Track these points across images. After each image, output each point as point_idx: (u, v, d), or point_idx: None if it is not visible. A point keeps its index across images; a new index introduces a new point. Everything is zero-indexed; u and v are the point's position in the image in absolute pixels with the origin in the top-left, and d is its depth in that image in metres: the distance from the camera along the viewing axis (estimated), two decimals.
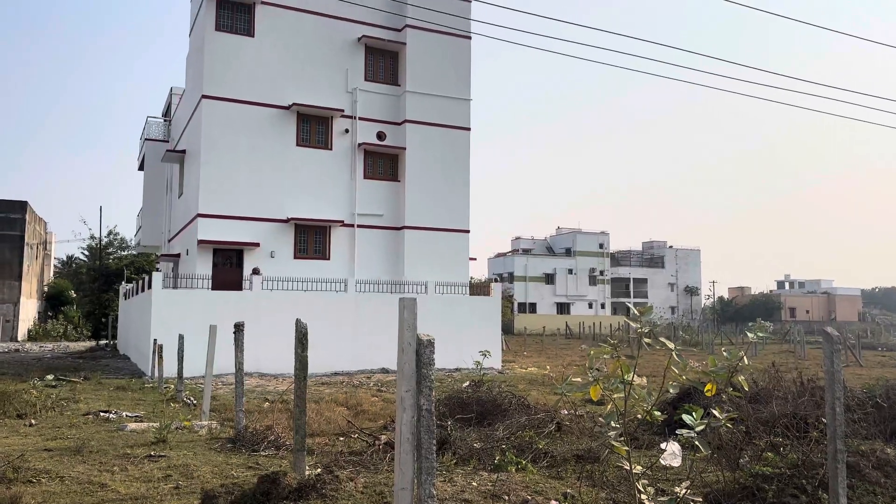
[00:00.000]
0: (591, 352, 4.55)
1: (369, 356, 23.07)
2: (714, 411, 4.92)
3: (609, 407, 4.51)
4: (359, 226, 27.11)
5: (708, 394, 4.95)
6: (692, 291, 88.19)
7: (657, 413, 4.67)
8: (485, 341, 22.85)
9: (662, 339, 4.32)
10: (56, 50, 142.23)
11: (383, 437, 9.04)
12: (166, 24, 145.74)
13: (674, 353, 4.35)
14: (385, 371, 22.70)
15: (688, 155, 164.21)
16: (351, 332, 23.17)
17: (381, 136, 27.81)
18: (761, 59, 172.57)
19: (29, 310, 45.24)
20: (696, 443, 4.68)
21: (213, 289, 23.01)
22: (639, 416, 5.03)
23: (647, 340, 4.30)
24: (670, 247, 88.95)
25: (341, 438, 9.95)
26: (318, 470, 6.86)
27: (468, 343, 22.44)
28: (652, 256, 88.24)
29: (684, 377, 4.56)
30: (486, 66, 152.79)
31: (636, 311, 4.40)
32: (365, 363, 23.03)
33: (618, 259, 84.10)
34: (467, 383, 14.70)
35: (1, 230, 41.28)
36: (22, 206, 42.35)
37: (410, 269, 26.99)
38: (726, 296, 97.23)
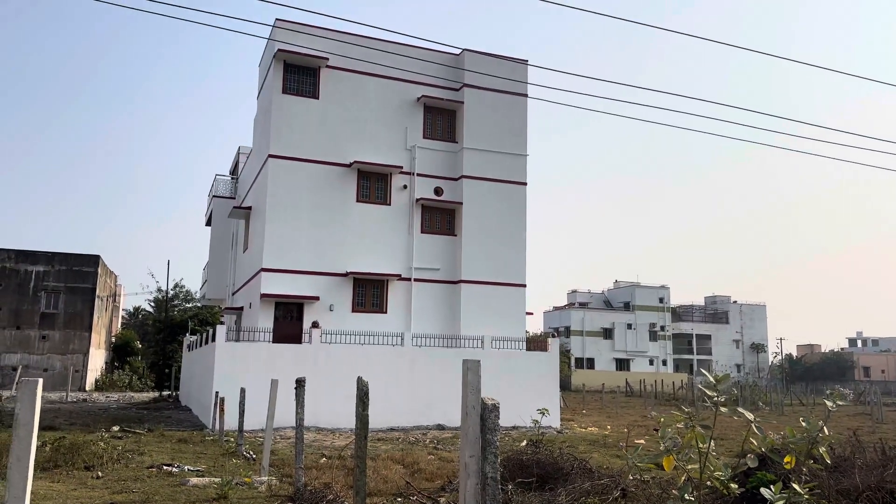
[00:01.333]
0: (662, 419, 4.40)
1: (425, 412, 22.89)
2: (794, 484, 4.67)
3: (683, 478, 4.33)
4: (416, 280, 27.31)
5: (787, 466, 4.71)
6: (758, 348, 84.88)
7: (733, 485, 4.46)
8: (542, 398, 22.41)
9: (741, 410, 4.15)
10: (126, 108, 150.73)
11: (442, 499, 8.89)
12: (235, 86, 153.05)
13: (753, 424, 4.17)
14: (441, 427, 22.44)
15: (751, 206, 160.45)
16: (407, 387, 23.09)
17: (438, 191, 28.21)
18: (830, 115, 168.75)
19: (97, 360, 46.79)
20: None
21: (273, 341, 23.41)
22: (708, 483, 4.81)
23: (723, 409, 4.15)
24: (734, 301, 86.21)
25: (399, 499, 9.82)
26: None
27: (525, 400, 22.01)
28: (715, 311, 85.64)
29: (762, 449, 4.35)
30: (542, 120, 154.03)
31: (711, 378, 4.25)
32: (421, 419, 22.84)
33: (679, 314, 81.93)
34: (525, 443, 14.38)
35: (74, 283, 43.18)
36: (94, 260, 44.30)
37: (467, 324, 26.90)
38: (795, 353, 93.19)
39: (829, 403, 4.76)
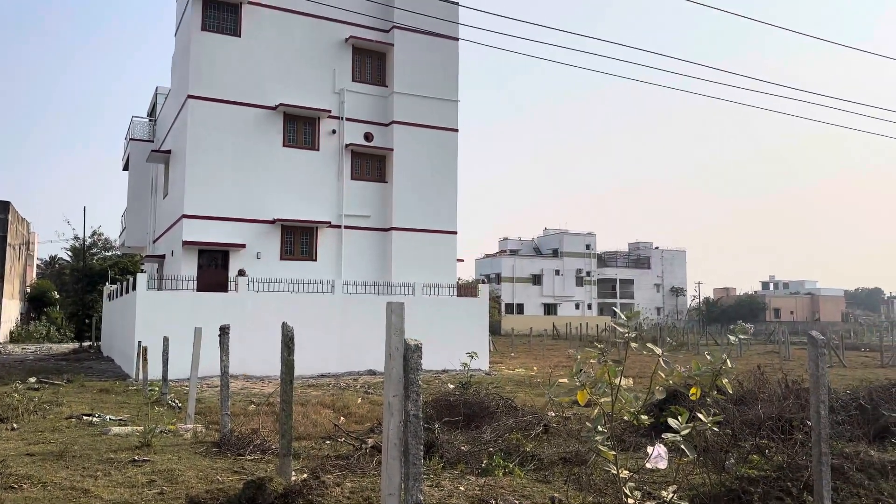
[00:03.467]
0: (578, 356, 4.55)
1: (356, 358, 22.99)
2: (699, 414, 4.94)
3: (596, 411, 4.51)
4: (346, 227, 27.04)
5: (693, 398, 4.97)
6: (678, 292, 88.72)
7: (644, 417, 4.67)
8: (472, 343, 22.82)
9: (650, 345, 4.32)
10: (40, 49, 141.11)
11: (370, 440, 9.01)
12: (152, 23, 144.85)
13: (661, 358, 4.36)
14: (372, 373, 22.64)
15: (674, 156, 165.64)
16: (338, 334, 23.09)
17: (368, 136, 27.75)
18: (748, 64, 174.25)
19: (11, 311, 44.70)
20: (682, 446, 4.69)
21: (198, 290, 22.86)
22: (625, 418, 5.03)
23: (633, 345, 4.31)
24: (656, 248, 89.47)
25: (328, 442, 9.91)
26: (305, 475, 6.82)
27: (456, 344, 22.39)
28: (638, 257, 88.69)
29: (670, 381, 4.56)
30: (473, 66, 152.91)
31: (622, 315, 4.40)
32: (352, 365, 22.96)
33: (604, 260, 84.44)
34: (453, 385, 14.71)
35: None
36: (4, 207, 41.81)
37: (398, 271, 26.95)
38: (712, 296, 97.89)
39: (731, 338, 5.03)
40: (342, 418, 12.23)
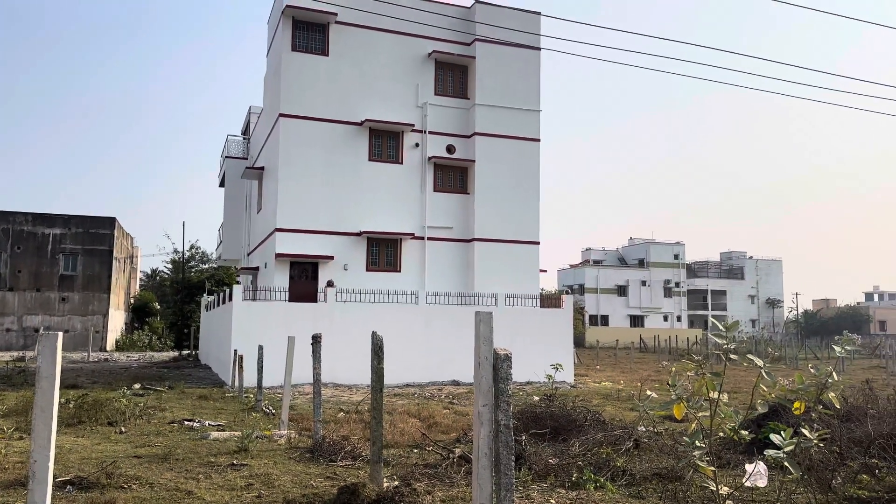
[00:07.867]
0: (674, 368, 4.43)
1: (440, 368, 23.16)
2: (804, 430, 4.70)
3: (693, 425, 4.38)
4: (429, 238, 27.34)
5: (796, 412, 4.74)
6: (774, 304, 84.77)
7: (744, 432, 4.50)
8: (556, 354, 22.53)
9: (750, 356, 4.16)
10: (139, 72, 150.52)
11: (457, 450, 9.05)
12: (244, 45, 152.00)
13: (763, 370, 4.19)
14: (456, 383, 22.73)
15: (767, 164, 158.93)
16: (422, 344, 23.33)
17: (450, 149, 28.01)
18: (850, 65, 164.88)
19: (117, 321, 47.58)
20: (786, 463, 4.48)
21: (289, 300, 23.65)
22: (721, 434, 4.86)
23: (733, 356, 4.16)
24: (750, 257, 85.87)
25: (415, 450, 10.02)
26: (396, 482, 6.93)
27: (539, 356, 22.14)
28: (731, 267, 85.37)
29: (772, 395, 4.38)
30: (555, 74, 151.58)
31: (720, 326, 4.26)
32: (436, 375, 23.13)
33: (694, 270, 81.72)
34: (538, 397, 14.56)
35: (91, 245, 43.65)
36: (111, 222, 44.66)
37: (480, 282, 27.00)
38: (811, 308, 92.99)
39: (837, 349, 4.76)
40: (428, 428, 12.33)
